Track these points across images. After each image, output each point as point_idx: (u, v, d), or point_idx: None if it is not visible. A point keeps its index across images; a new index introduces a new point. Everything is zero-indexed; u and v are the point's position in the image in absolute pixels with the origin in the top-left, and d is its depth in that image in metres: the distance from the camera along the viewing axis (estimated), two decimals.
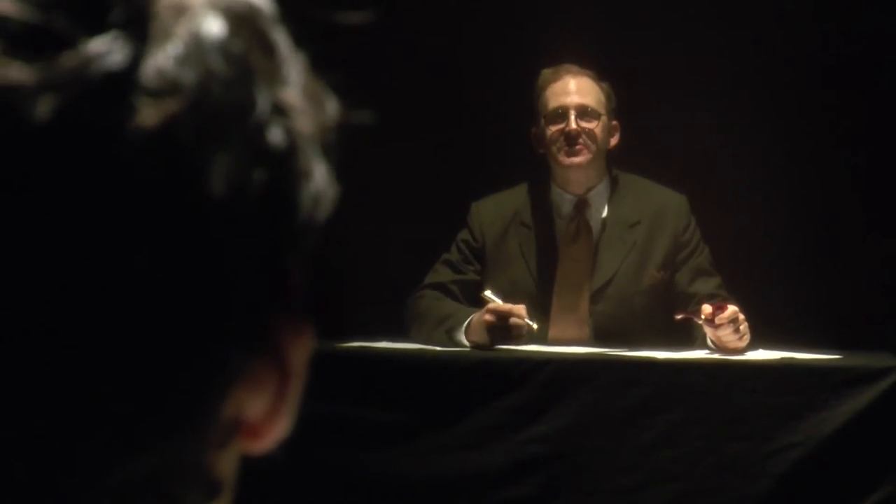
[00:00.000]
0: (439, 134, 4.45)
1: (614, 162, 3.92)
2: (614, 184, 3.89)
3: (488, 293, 3.61)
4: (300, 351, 0.61)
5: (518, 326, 3.49)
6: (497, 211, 3.94)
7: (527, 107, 3.91)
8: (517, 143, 3.92)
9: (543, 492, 3.31)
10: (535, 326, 3.51)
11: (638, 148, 3.96)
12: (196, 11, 0.56)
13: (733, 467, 3.27)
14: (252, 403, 0.60)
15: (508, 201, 3.95)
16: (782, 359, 3.44)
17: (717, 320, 3.44)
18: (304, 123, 0.59)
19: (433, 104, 4.45)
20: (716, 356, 3.45)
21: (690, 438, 3.29)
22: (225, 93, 0.56)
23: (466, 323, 3.57)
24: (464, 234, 3.94)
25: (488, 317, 3.52)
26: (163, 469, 0.56)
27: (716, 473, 3.28)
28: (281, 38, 0.60)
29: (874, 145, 4.29)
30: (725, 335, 3.45)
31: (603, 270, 3.79)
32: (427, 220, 4.21)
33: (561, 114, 3.78)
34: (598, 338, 3.74)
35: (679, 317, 3.60)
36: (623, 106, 3.90)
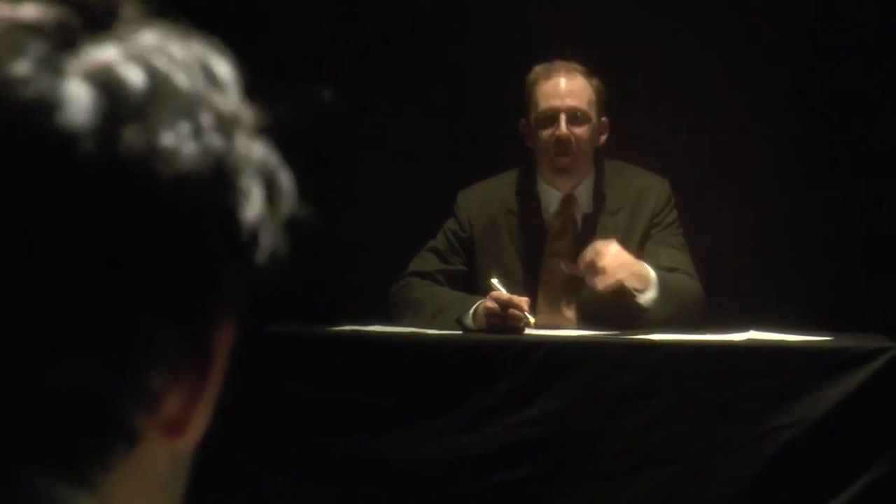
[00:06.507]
0: (426, 121, 4.45)
1: (603, 153, 3.91)
2: (599, 174, 3.88)
3: (494, 281, 3.61)
4: (223, 345, 0.65)
5: (516, 318, 3.48)
6: (484, 200, 3.93)
7: (515, 97, 3.88)
8: (505, 130, 3.91)
9: (535, 475, 3.31)
10: (532, 321, 3.49)
11: (627, 141, 3.95)
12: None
13: (725, 449, 3.28)
14: (173, 395, 0.63)
15: (495, 190, 3.94)
16: (774, 340, 3.44)
17: (579, 262, 3.50)
18: (244, 141, 0.63)
19: (420, 93, 4.44)
20: (707, 338, 3.45)
21: (682, 421, 3.30)
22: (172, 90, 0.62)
23: (473, 309, 3.57)
24: (451, 224, 3.93)
25: (490, 303, 3.52)
26: (90, 412, 0.61)
27: (707, 456, 3.28)
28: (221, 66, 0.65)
29: (866, 127, 4.29)
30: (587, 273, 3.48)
31: None
32: (414, 205, 4.21)
33: (551, 117, 3.76)
34: (585, 322, 3.73)
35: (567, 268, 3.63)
36: (614, 100, 3.89)
